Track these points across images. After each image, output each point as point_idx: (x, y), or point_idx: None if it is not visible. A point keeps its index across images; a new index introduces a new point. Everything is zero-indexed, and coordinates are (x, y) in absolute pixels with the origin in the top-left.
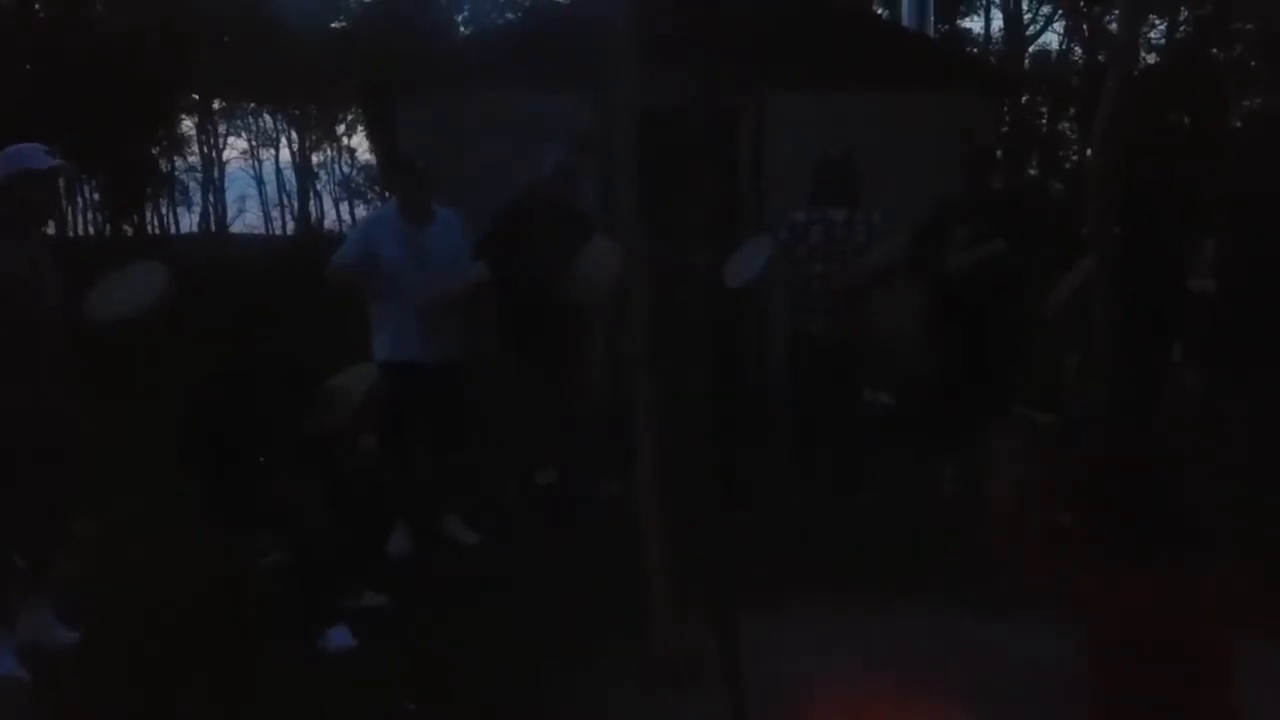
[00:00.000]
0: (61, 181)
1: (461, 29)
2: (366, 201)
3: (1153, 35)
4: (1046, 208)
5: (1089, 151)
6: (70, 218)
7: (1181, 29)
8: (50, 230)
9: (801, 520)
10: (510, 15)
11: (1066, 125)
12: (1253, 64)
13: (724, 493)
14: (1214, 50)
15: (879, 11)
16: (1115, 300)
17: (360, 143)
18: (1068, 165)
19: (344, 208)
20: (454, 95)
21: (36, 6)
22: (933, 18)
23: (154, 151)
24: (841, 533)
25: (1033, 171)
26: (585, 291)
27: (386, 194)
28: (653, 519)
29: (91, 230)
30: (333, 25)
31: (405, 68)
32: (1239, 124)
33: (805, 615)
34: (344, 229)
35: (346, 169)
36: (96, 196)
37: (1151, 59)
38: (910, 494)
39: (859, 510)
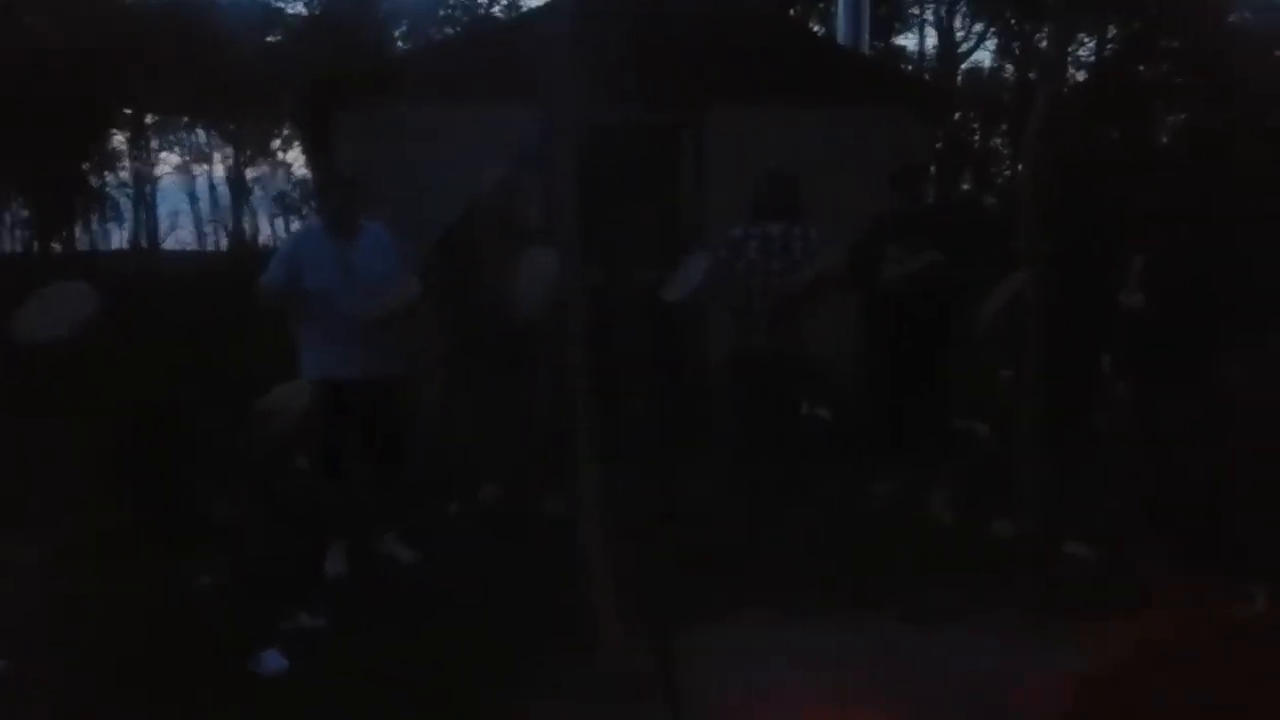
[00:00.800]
0: None
1: (400, 43)
2: (301, 217)
3: (1082, 53)
4: (979, 222)
5: (1020, 167)
6: None
7: (1110, 46)
8: None
9: (740, 535)
10: (449, 29)
11: (999, 141)
12: (1179, 81)
13: (664, 508)
14: (1141, 67)
15: (815, 28)
16: (1046, 314)
17: (296, 158)
18: (1000, 181)
19: (279, 223)
20: (392, 110)
21: None
22: (867, 35)
23: (84, 167)
24: (780, 547)
25: (966, 187)
26: (523, 300)
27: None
28: (593, 536)
29: (19, 248)
30: (269, 39)
31: (342, 82)
32: (1166, 140)
33: (745, 630)
34: (278, 244)
35: (282, 185)
36: (24, 213)
37: (1081, 76)
38: (848, 508)
39: (798, 525)
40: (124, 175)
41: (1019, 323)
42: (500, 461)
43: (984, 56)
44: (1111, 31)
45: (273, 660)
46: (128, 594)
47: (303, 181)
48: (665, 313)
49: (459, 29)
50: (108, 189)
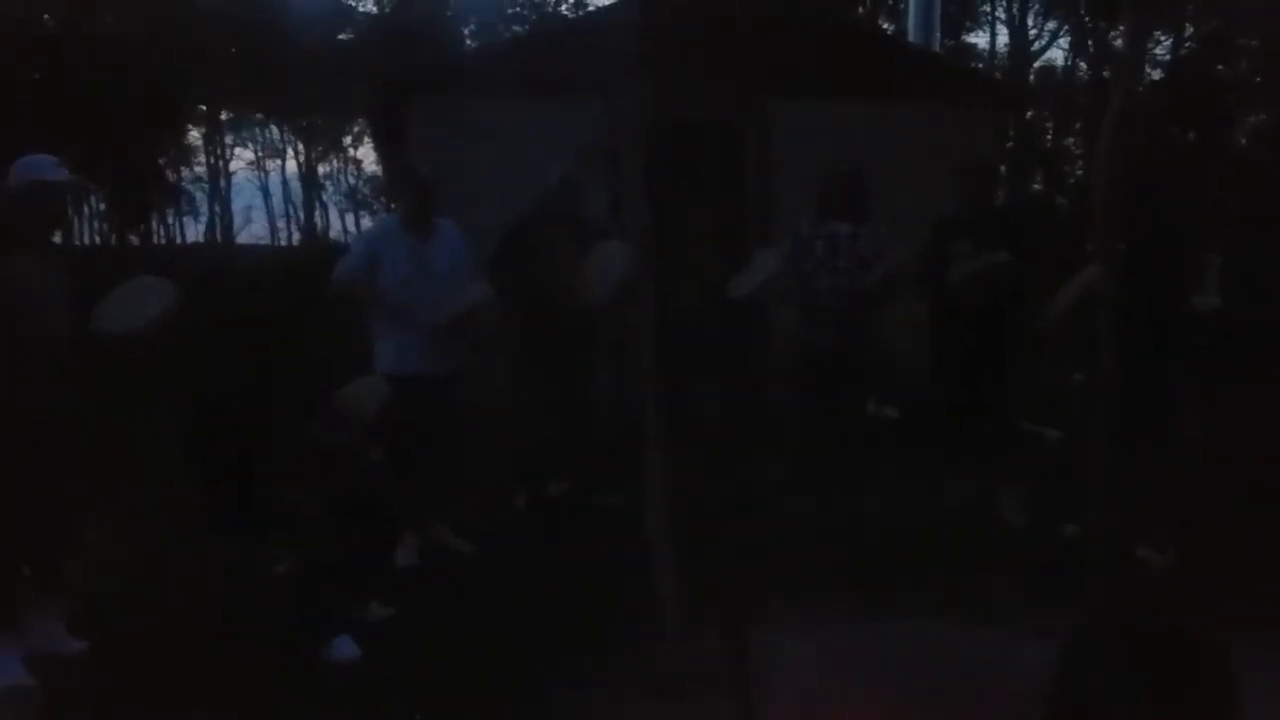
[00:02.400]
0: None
1: (469, 40)
2: (372, 212)
3: (1158, 51)
4: (1049, 223)
5: (1092, 166)
6: (77, 228)
7: (1186, 45)
8: (58, 239)
9: (806, 533)
10: (518, 27)
11: (1071, 141)
12: (1258, 80)
13: (730, 505)
14: (1219, 66)
15: (885, 26)
16: (1119, 316)
17: (366, 154)
18: (1072, 181)
19: (349, 218)
20: (461, 106)
21: (45, 17)
22: (938, 32)
23: (161, 162)
24: (846, 546)
25: (1037, 187)
26: (591, 293)
27: (391, 205)
28: (661, 531)
29: (98, 240)
30: (340, 36)
31: (413, 79)
32: (1244, 140)
33: (813, 628)
34: (349, 240)
35: (352, 180)
36: (103, 207)
37: (1156, 75)
38: (916, 508)
39: (864, 524)
40: (199, 171)
41: (1088, 323)
42: (567, 455)
43: (1057, 55)
44: (1188, 29)
45: (345, 647)
46: (205, 581)
47: (373, 177)
48: (732, 310)
49: (527, 26)
50: (184, 184)
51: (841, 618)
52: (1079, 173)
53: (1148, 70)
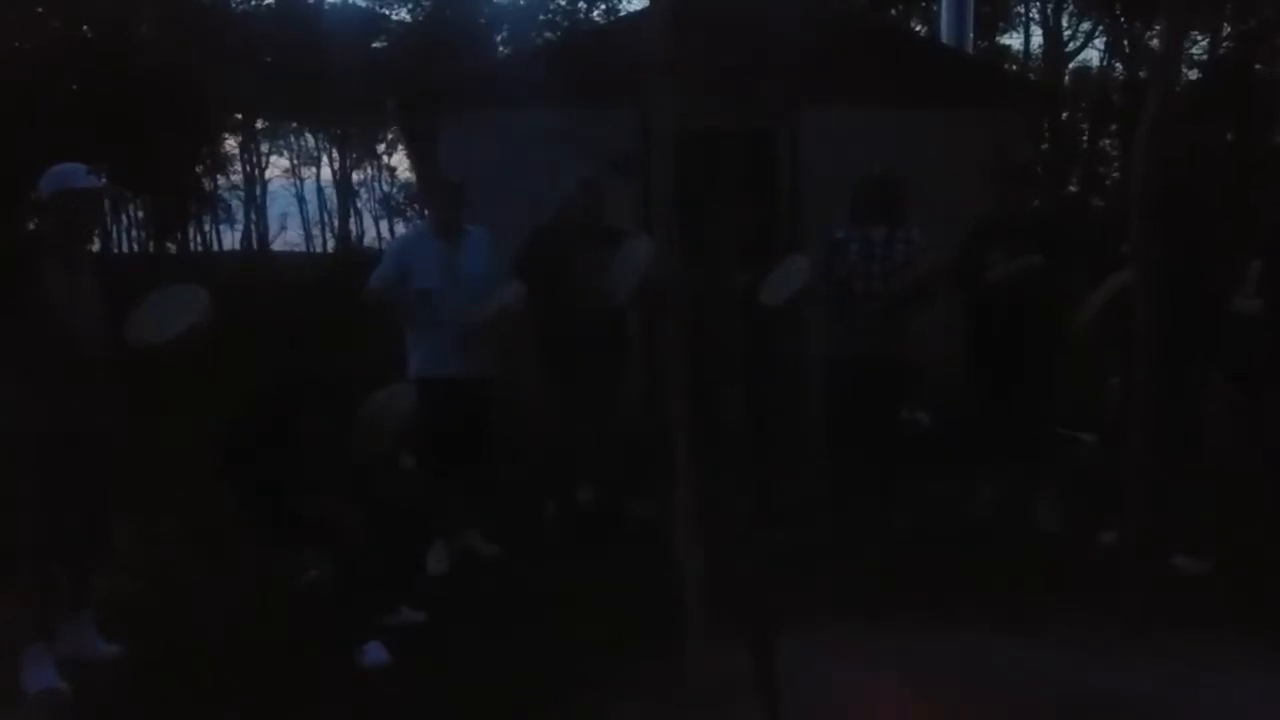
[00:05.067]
0: (106, 201)
1: (501, 48)
2: (406, 219)
3: (1195, 51)
4: (1085, 225)
5: (1129, 168)
6: (115, 236)
7: (1225, 45)
8: (94, 247)
9: (838, 540)
10: (549, 35)
11: (1107, 142)
12: None
13: (762, 512)
14: (1258, 66)
15: (917, 28)
16: (1155, 319)
17: (400, 161)
18: (1108, 182)
19: (383, 225)
20: (493, 114)
21: (84, 27)
22: (971, 34)
23: (198, 170)
24: (878, 553)
25: (1073, 189)
26: (615, 290)
27: (424, 212)
28: (689, 538)
29: (135, 248)
30: (374, 45)
31: (445, 87)
32: None
33: (842, 636)
34: (383, 246)
35: (386, 187)
36: (140, 215)
37: (1194, 75)
38: (948, 514)
39: (896, 531)
40: (235, 178)
41: (1124, 327)
42: (596, 462)
43: (1092, 55)
44: (1226, 29)
45: (376, 653)
46: (237, 586)
47: (406, 184)
48: (763, 315)
49: (559, 34)
50: (220, 192)
51: (872, 627)
52: (1115, 174)
53: (1185, 70)
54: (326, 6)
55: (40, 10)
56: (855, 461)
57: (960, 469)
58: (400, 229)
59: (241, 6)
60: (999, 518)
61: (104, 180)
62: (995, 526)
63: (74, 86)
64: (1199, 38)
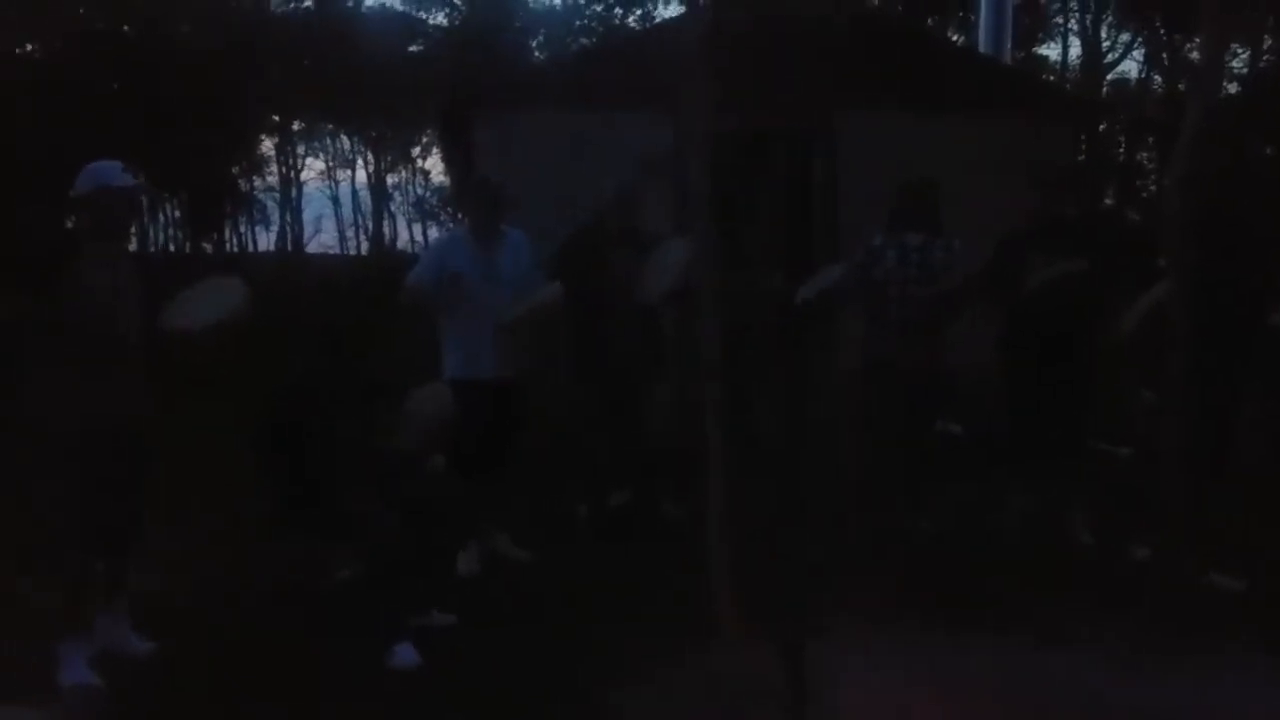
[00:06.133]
0: (144, 199)
1: (537, 53)
2: (439, 223)
3: (1235, 64)
4: (1123, 234)
5: (1166, 180)
6: (152, 235)
7: (1265, 58)
8: (132, 246)
9: (869, 546)
10: (585, 39)
11: (1144, 155)
12: None
13: (793, 516)
14: None
15: (955, 37)
16: (1192, 332)
17: (435, 164)
18: (1145, 195)
19: (417, 228)
20: (529, 118)
21: (125, 28)
22: (1010, 44)
23: (234, 172)
24: (908, 561)
25: (1109, 201)
26: (649, 290)
27: (459, 215)
28: (720, 542)
29: (172, 248)
30: (410, 49)
31: (481, 91)
32: None
33: (869, 643)
34: (416, 249)
35: (420, 190)
36: (178, 215)
37: (1234, 88)
38: (980, 524)
39: (928, 539)
40: (271, 180)
41: (1160, 339)
42: (629, 464)
43: (1130, 66)
44: (1267, 41)
45: (406, 654)
46: (269, 584)
47: (441, 187)
48: (798, 320)
49: (594, 39)
50: (256, 193)
51: (902, 635)
52: (1152, 186)
53: (1225, 83)
54: (364, 10)
55: (82, 10)
56: (888, 469)
57: (993, 479)
58: (434, 232)
59: (280, 9)
60: (1031, 529)
61: (140, 179)
62: (1027, 538)
63: (114, 85)
64: (1240, 50)
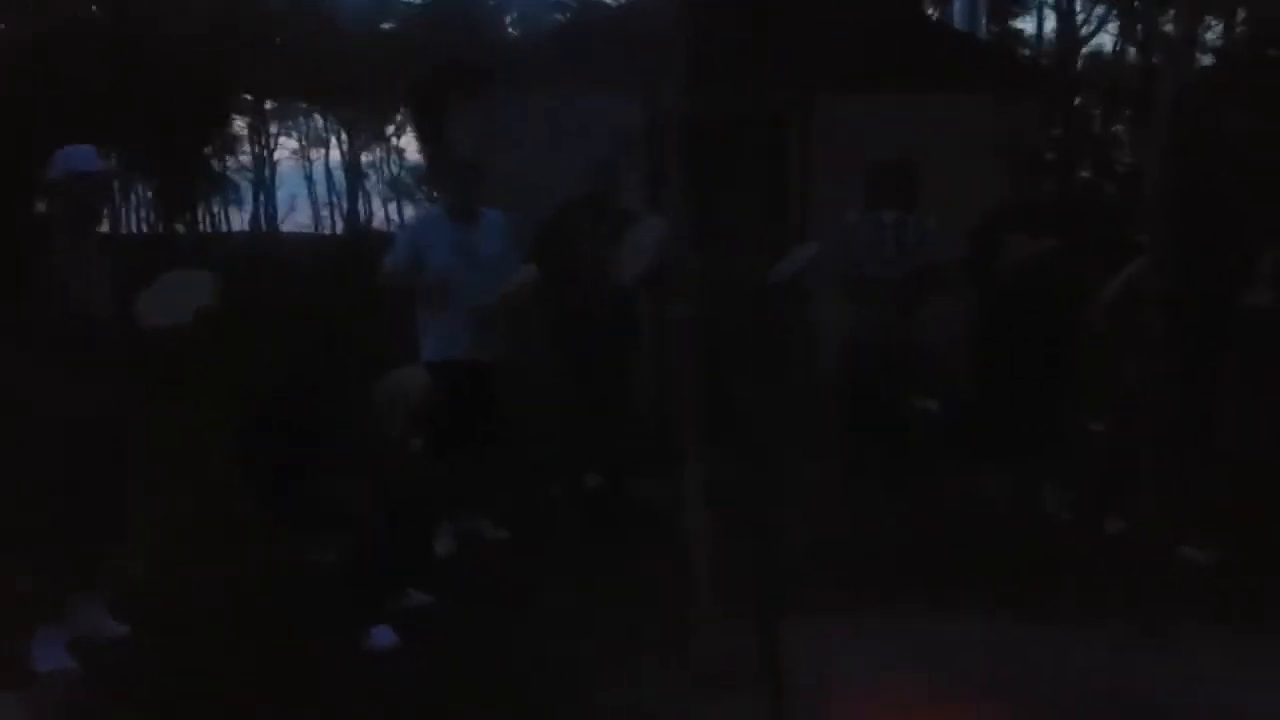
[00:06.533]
0: (113, 183)
1: (511, 30)
2: (414, 201)
3: (1209, 36)
4: (1099, 211)
5: (1143, 155)
6: (124, 217)
7: (1239, 29)
8: (103, 228)
9: (847, 528)
10: (559, 17)
11: (1121, 128)
12: None
13: (769, 498)
14: (1274, 52)
15: (930, 12)
16: (1167, 307)
17: (409, 143)
18: (1120, 169)
19: (392, 207)
20: (504, 96)
21: (93, 8)
22: (984, 19)
23: (207, 151)
24: (888, 542)
25: (1086, 175)
26: (624, 269)
27: (434, 194)
28: (697, 524)
29: (145, 229)
30: (383, 26)
31: (455, 69)
32: None
33: (849, 623)
34: (392, 228)
35: (395, 169)
36: (150, 195)
37: (1208, 60)
38: (959, 503)
39: (906, 519)
40: (244, 159)
41: (1137, 315)
42: (604, 445)
43: (1106, 40)
44: (1241, 13)
45: (384, 636)
46: (246, 568)
47: (416, 166)
48: (773, 300)
49: (570, 16)
50: (229, 173)
51: (882, 616)
52: (1129, 160)
53: (1199, 56)
54: None
55: None
56: (865, 447)
57: (969, 456)
58: (409, 211)
59: None
60: (1007, 505)
61: (111, 162)
62: (1003, 514)
63: (85, 67)
64: (1214, 23)
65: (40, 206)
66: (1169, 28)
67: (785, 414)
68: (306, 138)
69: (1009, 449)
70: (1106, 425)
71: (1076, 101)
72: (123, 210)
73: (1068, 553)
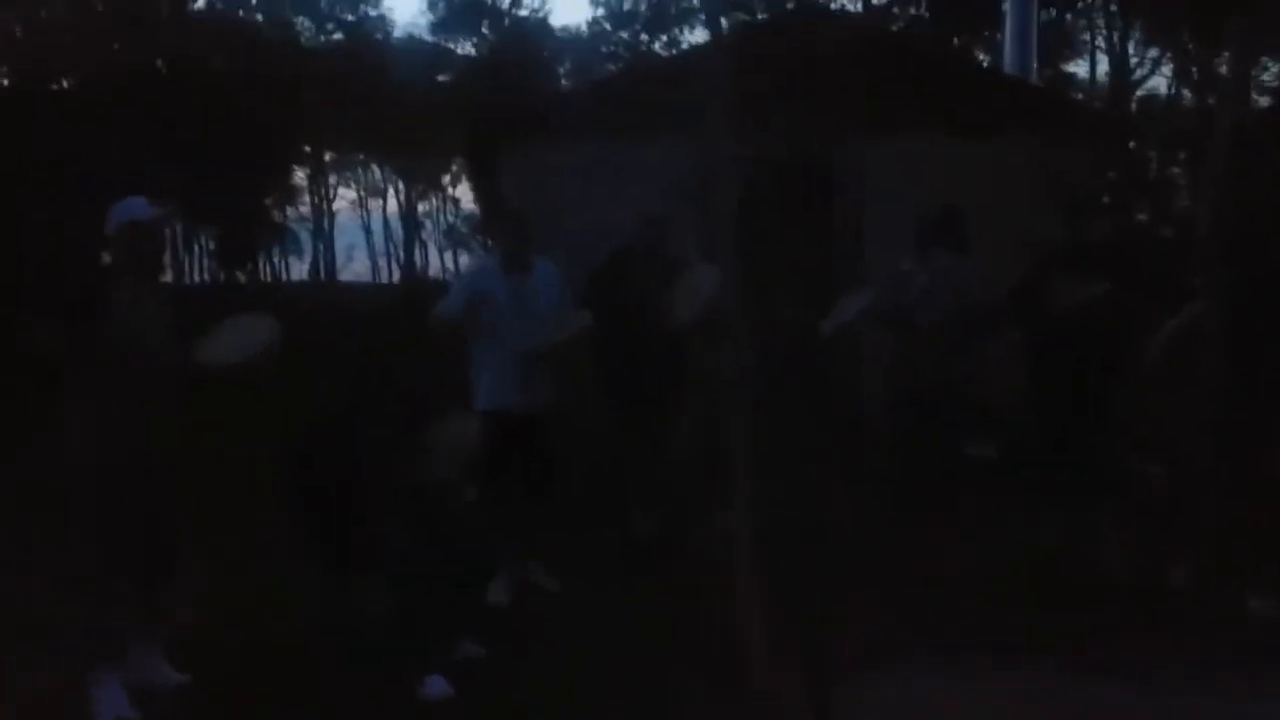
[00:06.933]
0: (176, 228)
1: (564, 81)
2: (469, 250)
3: (1265, 77)
4: (1153, 254)
5: (1198, 197)
6: (187, 266)
7: None
8: (166, 278)
9: (899, 574)
10: (611, 67)
11: (1176, 171)
12: None
13: (822, 544)
14: None
15: (980, 57)
16: (1225, 352)
17: (465, 193)
18: (1178, 211)
19: (448, 256)
20: (557, 146)
21: (157, 61)
22: (1035, 63)
23: (267, 202)
24: (940, 587)
25: (1142, 218)
26: (678, 315)
27: (488, 243)
28: (747, 569)
29: (207, 278)
30: (439, 79)
31: (509, 120)
32: None
33: (901, 669)
34: (448, 277)
35: (451, 219)
36: (211, 245)
37: (1264, 102)
38: (1013, 548)
39: (959, 564)
40: (304, 210)
41: (1193, 359)
42: (655, 492)
43: (1159, 83)
44: None
45: (438, 686)
46: (300, 616)
47: (471, 216)
48: (825, 345)
49: (621, 67)
50: (289, 223)
51: (933, 660)
52: (1185, 203)
53: (1254, 96)
54: (394, 41)
55: (116, 45)
56: (919, 493)
57: (1026, 502)
58: (464, 260)
59: (311, 41)
60: (1065, 552)
61: (168, 206)
62: (1061, 561)
63: (148, 118)
64: (1269, 64)
65: (104, 257)
66: (1222, 69)
67: (837, 459)
68: (365, 188)
69: (1065, 494)
70: (1166, 470)
71: (1131, 144)
72: (186, 260)
73: (1127, 601)
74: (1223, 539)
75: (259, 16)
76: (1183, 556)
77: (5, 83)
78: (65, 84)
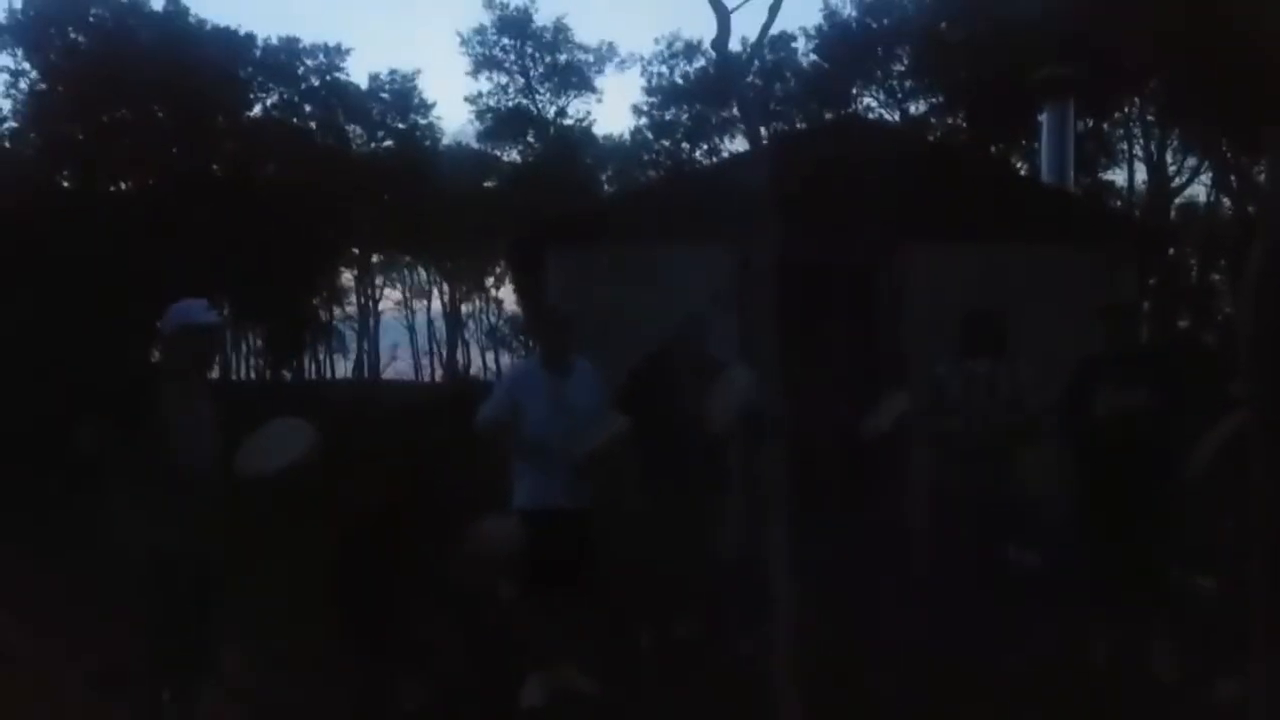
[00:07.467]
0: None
1: (606, 186)
2: (511, 350)
3: None
4: (1196, 361)
5: (1238, 304)
6: (235, 364)
7: None
8: (215, 375)
9: (942, 683)
10: (653, 174)
11: (1217, 277)
12: None
13: (864, 651)
14: None
15: (1018, 166)
16: (1270, 461)
17: (507, 294)
18: (1220, 318)
19: (490, 356)
20: (599, 249)
21: (214, 167)
22: (1072, 171)
23: (315, 302)
24: (985, 697)
25: (1183, 324)
26: (716, 419)
27: (530, 344)
28: (788, 675)
29: (253, 375)
30: (485, 184)
31: (552, 224)
32: None
33: None
34: (489, 376)
35: (493, 319)
36: (259, 344)
37: None
38: (1059, 659)
39: (1006, 675)
40: (350, 310)
41: (1239, 469)
42: (695, 594)
43: (1198, 191)
44: None
45: None
46: (339, 713)
47: (513, 317)
48: (866, 450)
49: (663, 173)
50: (335, 323)
51: None
52: (1226, 310)
53: None
54: (441, 148)
55: (175, 150)
56: (962, 599)
57: (1071, 611)
58: (506, 360)
59: (360, 148)
60: (1112, 663)
61: (224, 314)
62: (1108, 673)
63: (202, 221)
64: None
65: (154, 355)
66: (1261, 176)
67: (878, 565)
68: (409, 289)
69: (1112, 605)
70: (1215, 582)
71: (1170, 251)
72: (233, 358)
73: (1177, 715)
74: (1274, 652)
75: (312, 124)
76: (1233, 670)
77: (66, 185)
78: (126, 188)
